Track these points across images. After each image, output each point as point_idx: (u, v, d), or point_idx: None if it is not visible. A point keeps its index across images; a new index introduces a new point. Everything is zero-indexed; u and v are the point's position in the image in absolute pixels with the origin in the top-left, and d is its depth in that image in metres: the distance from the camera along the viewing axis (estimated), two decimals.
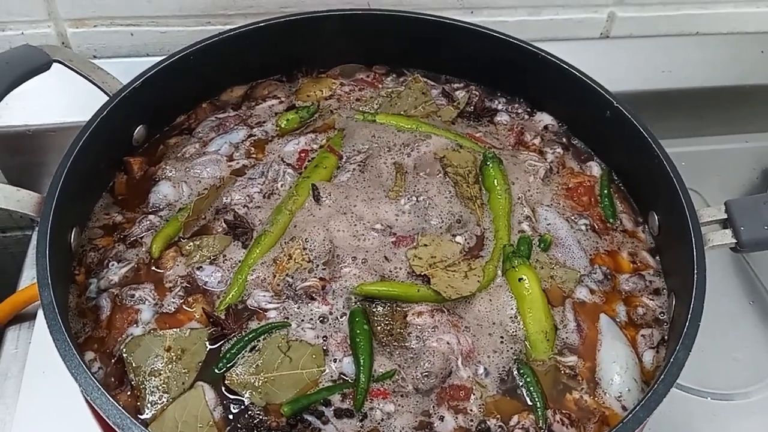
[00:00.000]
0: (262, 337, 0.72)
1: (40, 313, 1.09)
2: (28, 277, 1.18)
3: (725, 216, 0.75)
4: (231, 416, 0.67)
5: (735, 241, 0.73)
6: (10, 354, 1.07)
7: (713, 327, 1.02)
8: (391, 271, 0.78)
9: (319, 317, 0.75)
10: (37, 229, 0.69)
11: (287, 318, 0.74)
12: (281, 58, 1.03)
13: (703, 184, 1.26)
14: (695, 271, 0.68)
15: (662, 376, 0.60)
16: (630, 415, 0.58)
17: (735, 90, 1.33)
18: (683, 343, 0.62)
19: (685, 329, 0.63)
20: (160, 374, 0.69)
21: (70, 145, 0.76)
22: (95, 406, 0.56)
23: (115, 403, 0.56)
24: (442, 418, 0.68)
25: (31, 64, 0.81)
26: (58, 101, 1.11)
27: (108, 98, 0.84)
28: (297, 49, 1.03)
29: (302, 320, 0.74)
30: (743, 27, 1.39)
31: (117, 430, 0.55)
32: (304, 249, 0.79)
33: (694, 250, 0.70)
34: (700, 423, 0.93)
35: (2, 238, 1.48)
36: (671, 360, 0.61)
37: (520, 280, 0.77)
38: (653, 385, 0.61)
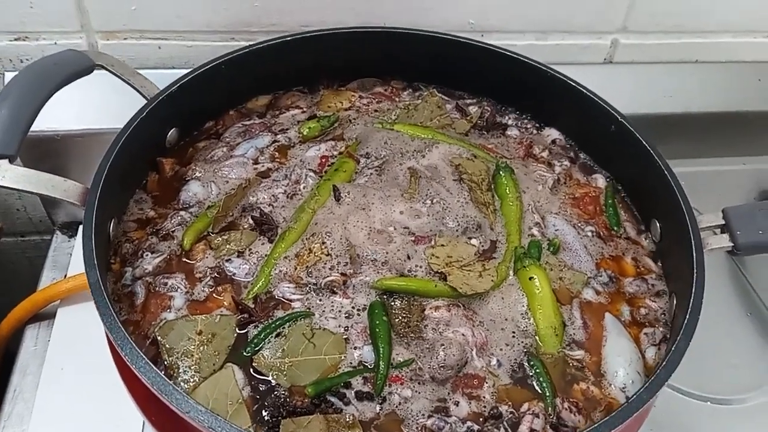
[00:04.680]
0: (288, 324, 0.76)
1: (60, 312, 1.14)
2: (48, 278, 1.23)
3: (723, 222, 0.80)
4: (259, 396, 0.71)
5: (732, 244, 0.78)
6: (29, 351, 1.11)
7: (713, 337, 1.07)
8: (410, 270, 0.83)
9: (341, 309, 0.79)
10: (83, 215, 0.73)
11: (310, 309, 0.79)
12: (304, 71, 1.09)
13: (702, 203, 1.31)
14: (695, 270, 0.73)
15: (664, 363, 0.65)
16: (635, 396, 0.62)
17: (733, 115, 1.39)
18: (684, 333, 0.66)
19: (686, 321, 0.68)
20: (192, 355, 0.73)
21: (112, 141, 0.81)
22: (140, 375, 0.60)
23: (159, 372, 0.60)
24: (457, 404, 0.72)
25: (76, 66, 0.86)
26: (85, 109, 1.16)
27: (146, 101, 0.90)
28: (319, 63, 1.09)
29: (324, 311, 0.79)
30: (741, 56, 1.46)
31: (158, 395, 0.59)
32: (323, 243, 0.83)
33: (694, 251, 0.74)
34: (700, 426, 0.97)
35: (21, 242, 1.52)
36: (673, 348, 0.66)
37: (530, 278, 0.82)
38: (656, 370, 0.65)
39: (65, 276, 1.19)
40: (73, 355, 1.07)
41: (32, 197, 1.40)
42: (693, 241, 0.75)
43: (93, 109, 1.16)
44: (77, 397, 1.01)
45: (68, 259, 1.25)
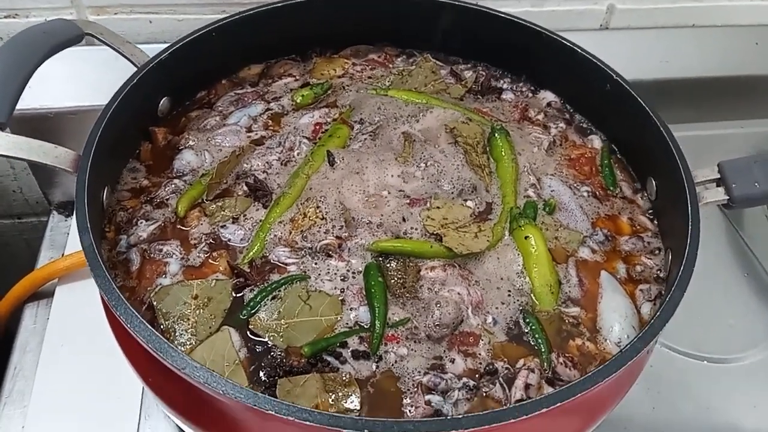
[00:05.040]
0: (283, 287, 0.76)
1: (58, 290, 1.14)
2: (46, 257, 1.23)
3: (718, 176, 0.80)
4: (255, 357, 0.72)
5: (727, 197, 0.78)
6: (28, 329, 1.12)
7: (710, 297, 1.08)
8: (405, 232, 0.83)
9: (336, 272, 0.79)
10: (75, 182, 0.73)
11: (306, 272, 0.79)
12: (296, 39, 1.08)
13: (700, 166, 1.31)
14: (690, 223, 0.72)
15: (659, 313, 0.65)
16: (629, 345, 0.62)
17: (730, 80, 1.38)
18: (678, 284, 0.66)
19: (681, 271, 0.68)
20: (189, 319, 0.73)
21: (104, 108, 0.80)
22: (135, 334, 0.60)
23: (154, 331, 0.60)
24: (452, 361, 0.72)
25: (65, 35, 0.86)
26: (78, 86, 1.16)
27: (136, 69, 0.89)
28: (311, 31, 1.08)
29: (320, 274, 0.79)
30: (738, 20, 1.44)
31: (153, 354, 0.59)
32: (318, 208, 0.83)
33: (689, 205, 0.74)
34: (697, 384, 0.98)
35: (17, 224, 1.52)
36: (667, 299, 0.66)
37: (526, 238, 0.81)
38: (651, 320, 0.65)
39: (63, 255, 1.19)
40: (73, 333, 1.07)
41: (28, 177, 1.39)
42: (688, 195, 0.75)
43: (85, 85, 1.16)
44: (77, 373, 1.02)
45: (65, 239, 1.25)
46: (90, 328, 1.05)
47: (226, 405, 0.61)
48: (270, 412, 0.54)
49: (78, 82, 1.16)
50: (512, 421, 0.55)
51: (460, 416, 0.55)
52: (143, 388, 1.00)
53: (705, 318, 1.05)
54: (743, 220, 1.21)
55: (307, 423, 0.54)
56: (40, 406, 0.99)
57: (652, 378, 0.96)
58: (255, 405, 0.55)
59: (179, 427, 0.95)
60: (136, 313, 0.61)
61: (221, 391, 0.56)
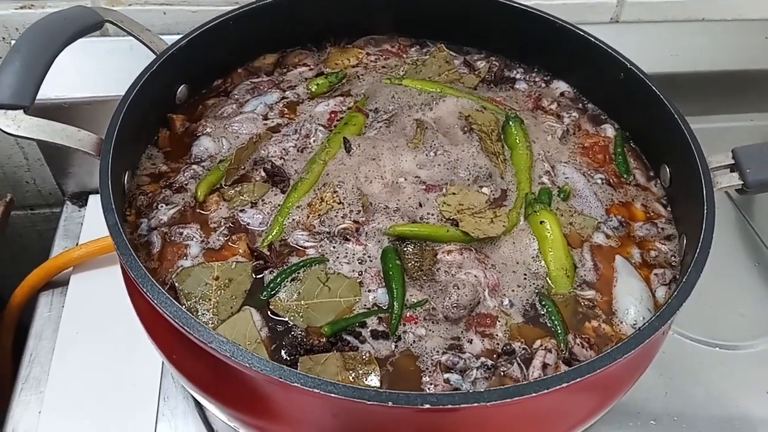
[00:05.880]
0: (303, 269, 0.77)
1: (73, 279, 1.15)
2: (60, 246, 1.24)
3: (732, 161, 0.80)
4: (276, 336, 0.73)
5: (741, 182, 0.79)
6: (44, 317, 1.13)
7: (721, 286, 1.09)
8: (422, 217, 0.84)
9: (354, 255, 0.80)
10: (99, 164, 0.74)
11: (324, 255, 0.80)
12: (311, 29, 1.09)
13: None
14: (705, 207, 0.73)
15: (676, 293, 0.66)
16: (647, 323, 0.63)
17: (739, 73, 1.39)
18: (695, 265, 0.67)
19: (697, 253, 0.69)
20: (210, 300, 0.74)
21: (125, 93, 0.81)
22: (161, 310, 0.61)
23: (180, 306, 0.61)
24: (470, 341, 0.73)
25: (86, 21, 0.87)
26: (91, 77, 1.17)
27: (156, 56, 0.90)
28: (326, 21, 1.09)
29: (338, 257, 0.80)
30: (747, 14, 1.45)
31: (180, 329, 0.60)
32: (335, 193, 0.84)
33: (704, 189, 0.75)
34: (709, 370, 0.99)
35: (30, 215, 1.54)
36: (684, 280, 0.66)
37: (541, 222, 0.82)
38: (668, 299, 0.66)
39: (77, 245, 1.20)
40: (87, 320, 1.09)
41: (42, 168, 1.41)
42: (703, 179, 0.76)
43: (100, 76, 1.17)
44: (92, 359, 1.03)
45: (79, 229, 1.27)
46: (104, 316, 1.07)
47: (251, 379, 0.62)
48: (296, 384, 0.55)
49: (91, 73, 1.17)
50: (533, 395, 0.56)
51: (482, 390, 0.56)
52: (161, 371, 1.02)
53: (716, 306, 1.06)
54: (753, 210, 1.22)
55: (333, 395, 0.55)
56: (56, 391, 1.00)
57: (665, 364, 0.97)
58: (281, 378, 0.56)
59: (198, 408, 0.96)
60: (164, 290, 0.62)
61: (248, 364, 0.57)
